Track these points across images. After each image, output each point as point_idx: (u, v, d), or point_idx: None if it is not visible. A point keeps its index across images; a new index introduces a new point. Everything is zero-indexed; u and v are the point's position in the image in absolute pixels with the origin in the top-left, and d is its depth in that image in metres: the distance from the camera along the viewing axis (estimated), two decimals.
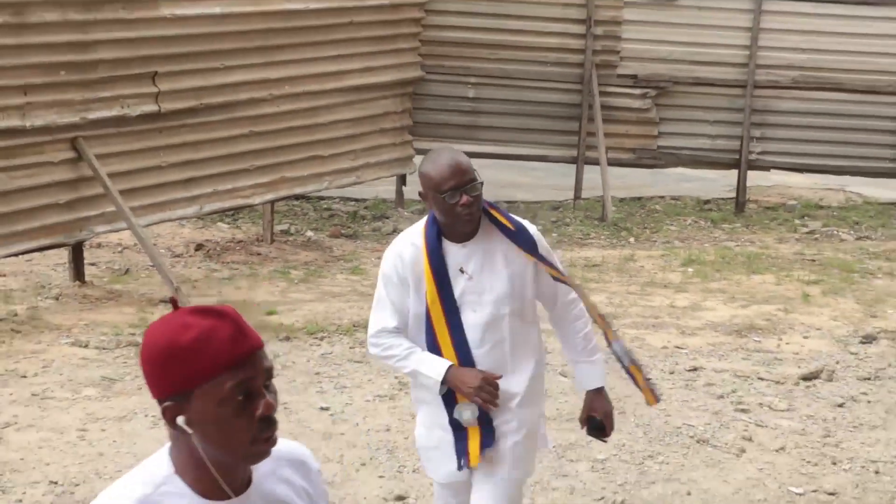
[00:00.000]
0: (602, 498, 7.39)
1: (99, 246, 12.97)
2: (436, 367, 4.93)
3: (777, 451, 8.20)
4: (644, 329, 10.78)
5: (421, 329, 5.02)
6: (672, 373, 9.62)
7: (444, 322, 4.96)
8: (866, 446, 8.30)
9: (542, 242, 5.19)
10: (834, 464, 8.02)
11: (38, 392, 8.90)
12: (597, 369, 5.26)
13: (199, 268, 12.62)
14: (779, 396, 9.16)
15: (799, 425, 8.64)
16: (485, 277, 4.98)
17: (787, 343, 10.50)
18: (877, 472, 7.90)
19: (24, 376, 9.23)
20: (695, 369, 9.72)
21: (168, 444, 2.88)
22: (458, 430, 5.03)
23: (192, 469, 2.82)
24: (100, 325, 10.25)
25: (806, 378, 9.55)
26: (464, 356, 4.98)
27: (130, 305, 11.02)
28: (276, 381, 2.84)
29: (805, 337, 10.68)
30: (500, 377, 4.99)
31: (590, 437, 5.42)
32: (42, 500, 7.18)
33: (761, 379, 9.56)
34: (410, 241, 5.01)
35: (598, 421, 5.17)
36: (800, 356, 10.12)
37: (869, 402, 9.13)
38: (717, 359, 10.03)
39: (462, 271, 4.97)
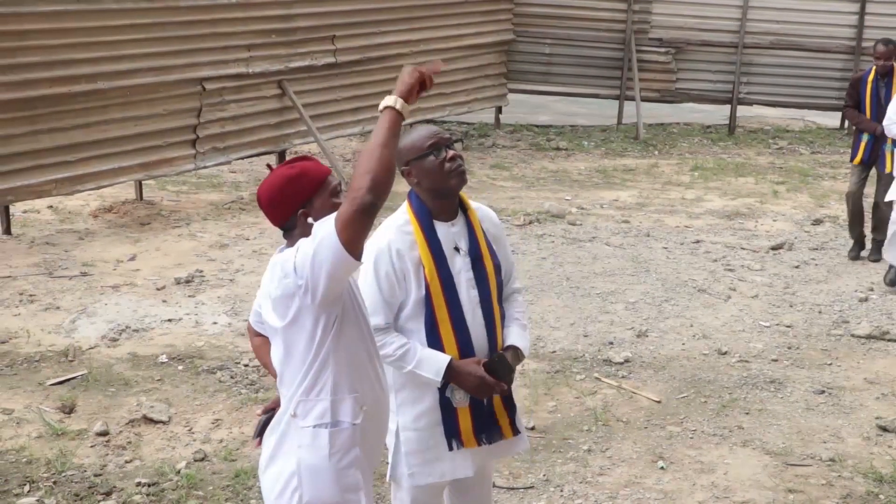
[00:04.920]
0: (632, 328, 7.43)
1: (296, 153, 13.10)
2: (434, 366, 3.52)
3: (752, 297, 8.18)
4: (663, 214, 10.71)
5: (420, 313, 3.57)
6: (682, 244, 9.58)
7: (443, 300, 3.55)
8: (813, 294, 8.25)
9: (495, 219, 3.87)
10: (791, 306, 7.99)
11: (256, 249, 9.08)
12: (525, 335, 3.79)
13: None
14: (755, 260, 9.11)
15: (768, 280, 8.59)
16: (478, 255, 3.65)
17: (761, 224, 10.39)
18: (820, 312, 7.86)
19: (248, 239, 9.41)
20: (697, 241, 9.67)
21: (284, 248, 3.25)
22: (448, 410, 3.63)
23: None
24: None
25: (774, 248, 9.47)
26: (461, 334, 3.59)
27: None
28: None
29: (774, 220, 10.55)
30: (509, 384, 3.65)
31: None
32: None
33: (743, 248, 9.49)
34: (399, 229, 3.58)
35: (498, 362, 3.60)
36: (770, 233, 10.02)
37: (816, 265, 9.03)
38: (713, 234, 9.97)
39: (457, 249, 3.62)
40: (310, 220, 3.16)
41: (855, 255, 9.19)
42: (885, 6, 14.99)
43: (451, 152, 3.57)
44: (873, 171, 9.17)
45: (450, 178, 3.58)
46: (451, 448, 3.67)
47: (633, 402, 6.25)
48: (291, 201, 3.20)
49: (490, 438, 3.73)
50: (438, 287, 3.57)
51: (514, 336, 3.78)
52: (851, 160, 9.30)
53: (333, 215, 2.98)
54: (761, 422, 6.03)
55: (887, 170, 8.72)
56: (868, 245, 9.29)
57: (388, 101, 3.06)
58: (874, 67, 9.07)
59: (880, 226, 9.02)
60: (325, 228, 2.97)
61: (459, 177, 3.61)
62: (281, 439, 3.27)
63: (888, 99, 8.80)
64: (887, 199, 8.49)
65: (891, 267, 8.39)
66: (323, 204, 3.21)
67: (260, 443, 3.38)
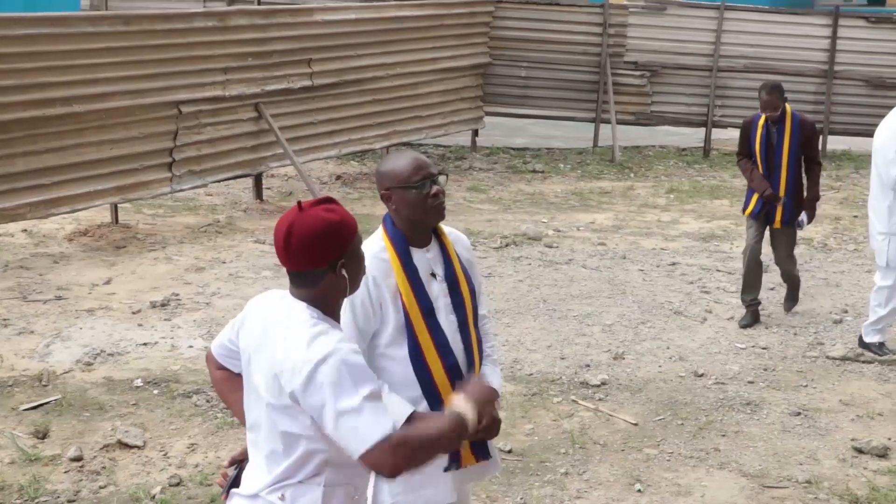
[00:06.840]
0: (609, 350, 7.45)
1: (272, 176, 13.07)
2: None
3: (728, 319, 8.21)
4: (639, 236, 10.75)
5: (400, 339, 3.52)
6: (658, 266, 9.61)
7: (424, 326, 3.52)
8: (788, 316, 8.30)
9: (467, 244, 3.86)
10: (766, 328, 8.03)
11: (233, 273, 9.05)
12: (496, 373, 3.80)
13: (337, 192, 12.70)
14: (730, 283, 9.14)
15: None
16: (454, 280, 3.63)
17: (737, 246, 10.42)
18: (795, 334, 7.91)
19: (224, 262, 9.38)
20: (673, 264, 9.71)
21: (303, 306, 2.95)
22: None
23: (334, 309, 3.05)
24: (272, 229, 10.38)
25: None
26: (447, 358, 3.56)
27: None
28: None
29: None
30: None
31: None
32: None
33: (719, 271, 9.54)
34: (375, 257, 3.50)
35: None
36: None
37: None
38: (689, 257, 10.01)
39: (434, 276, 3.59)
40: (343, 271, 2.96)
41: (748, 323, 8.06)
42: (857, 30, 15.17)
43: (435, 188, 3.51)
44: None
45: (429, 214, 3.54)
46: (447, 469, 3.61)
47: (610, 425, 6.26)
48: (327, 249, 2.94)
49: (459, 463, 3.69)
50: (418, 314, 3.52)
51: (488, 376, 3.74)
52: (743, 210, 8.23)
53: (372, 419, 2.77)
54: (738, 444, 6.05)
55: (775, 225, 8.04)
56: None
57: (466, 410, 2.91)
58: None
59: (791, 283, 8.38)
60: (365, 429, 2.76)
61: (438, 214, 3.56)
62: None
63: (780, 145, 7.86)
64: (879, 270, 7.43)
65: (865, 342, 7.55)
66: (354, 258, 3.02)
67: (227, 497, 3.18)
